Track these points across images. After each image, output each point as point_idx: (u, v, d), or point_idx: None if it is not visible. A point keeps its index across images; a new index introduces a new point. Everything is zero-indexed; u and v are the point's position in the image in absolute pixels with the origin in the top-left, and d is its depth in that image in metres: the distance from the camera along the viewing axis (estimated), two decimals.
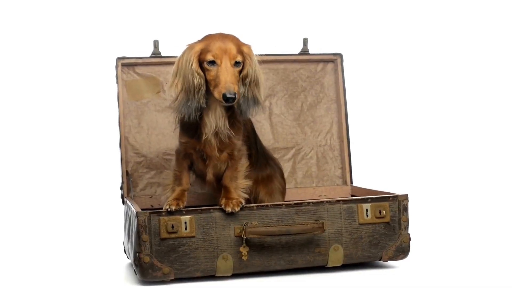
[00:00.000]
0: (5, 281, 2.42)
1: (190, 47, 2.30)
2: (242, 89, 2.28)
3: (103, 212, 3.40)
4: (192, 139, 2.38)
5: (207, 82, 2.27)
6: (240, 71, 2.28)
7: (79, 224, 3.36)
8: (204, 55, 2.25)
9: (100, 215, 3.41)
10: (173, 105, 2.34)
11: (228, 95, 2.18)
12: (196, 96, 2.25)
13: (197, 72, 2.25)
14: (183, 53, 2.31)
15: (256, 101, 2.31)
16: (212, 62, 2.24)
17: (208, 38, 2.29)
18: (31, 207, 3.51)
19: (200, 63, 2.27)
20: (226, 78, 2.20)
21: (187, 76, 2.26)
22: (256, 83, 2.31)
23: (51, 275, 2.50)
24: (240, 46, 2.28)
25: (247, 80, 2.28)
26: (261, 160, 2.61)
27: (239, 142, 2.40)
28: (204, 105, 2.28)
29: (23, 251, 2.90)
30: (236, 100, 2.20)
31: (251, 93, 2.30)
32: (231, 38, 2.28)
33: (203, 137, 2.34)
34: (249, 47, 2.32)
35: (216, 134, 2.34)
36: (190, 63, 2.26)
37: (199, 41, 2.31)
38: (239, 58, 2.25)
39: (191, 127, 2.36)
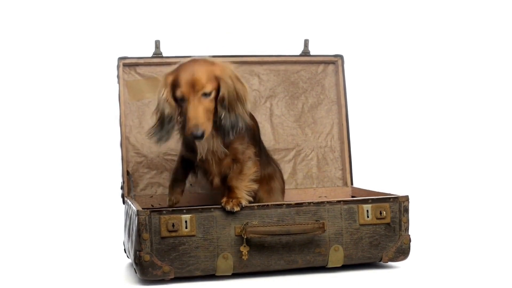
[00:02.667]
0: (5, 281, 2.42)
1: (164, 77, 2.31)
2: (222, 112, 2.26)
3: (104, 212, 3.40)
4: (192, 154, 2.41)
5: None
6: (217, 96, 2.26)
7: (79, 224, 3.36)
8: (175, 89, 2.26)
9: (101, 215, 3.41)
10: (147, 131, 2.38)
11: (195, 134, 2.19)
12: (167, 125, 2.28)
13: (167, 101, 2.27)
14: (161, 82, 2.34)
15: (237, 120, 2.27)
16: (182, 99, 2.25)
17: (179, 68, 2.28)
18: (32, 207, 3.51)
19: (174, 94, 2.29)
20: (193, 115, 2.20)
21: (160, 106, 2.29)
22: (236, 100, 2.27)
23: (51, 275, 2.50)
24: (211, 72, 2.25)
25: (225, 103, 2.26)
26: (263, 158, 2.61)
27: (240, 146, 2.39)
28: (170, 137, 2.31)
29: (23, 251, 2.90)
30: (206, 135, 2.21)
31: (233, 113, 2.27)
32: (200, 66, 2.25)
33: (198, 157, 2.36)
34: (222, 67, 2.28)
35: (212, 151, 2.35)
36: (161, 94, 2.29)
37: (172, 72, 2.30)
38: (207, 89, 2.23)
39: (189, 143, 2.39)
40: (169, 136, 2.30)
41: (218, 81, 2.26)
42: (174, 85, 2.26)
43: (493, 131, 3.93)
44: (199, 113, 2.21)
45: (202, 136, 2.20)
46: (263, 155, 2.60)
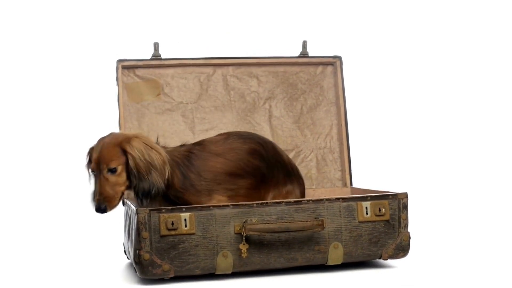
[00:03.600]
0: (5, 281, 2.42)
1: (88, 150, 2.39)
2: (134, 182, 2.30)
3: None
4: None
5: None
6: (126, 167, 2.30)
7: (79, 225, 3.37)
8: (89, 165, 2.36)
9: (101, 216, 3.41)
10: None
11: (96, 209, 2.29)
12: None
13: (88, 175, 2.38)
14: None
15: (150, 187, 2.31)
16: (94, 174, 2.33)
17: (92, 147, 2.36)
18: (32, 209, 3.51)
19: None
20: (97, 191, 2.30)
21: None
22: (149, 169, 2.31)
23: (51, 275, 2.50)
24: (117, 148, 2.30)
25: (134, 171, 2.30)
26: (278, 176, 2.58)
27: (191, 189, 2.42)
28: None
29: (23, 252, 2.90)
30: (108, 210, 2.29)
31: (146, 181, 2.30)
32: (106, 143, 2.31)
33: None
34: (129, 139, 2.32)
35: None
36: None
37: (89, 150, 2.38)
38: (112, 165, 2.28)
39: None
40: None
41: (125, 156, 2.31)
42: (89, 161, 2.36)
43: (491, 129, 3.94)
44: (103, 189, 2.28)
45: (104, 211, 2.28)
46: (276, 173, 2.57)
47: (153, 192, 2.31)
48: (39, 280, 2.43)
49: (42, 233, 3.25)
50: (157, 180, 2.32)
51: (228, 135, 2.56)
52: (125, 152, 2.30)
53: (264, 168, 2.52)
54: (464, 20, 3.94)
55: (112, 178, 2.29)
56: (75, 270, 2.57)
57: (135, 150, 2.31)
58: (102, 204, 2.27)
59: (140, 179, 2.30)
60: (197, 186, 2.41)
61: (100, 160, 2.29)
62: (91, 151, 2.35)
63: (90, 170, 2.35)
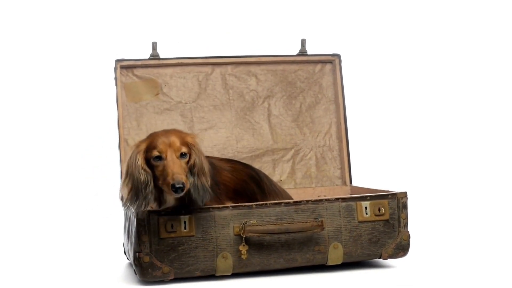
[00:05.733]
0: (5, 281, 2.42)
1: (136, 146, 2.31)
2: (191, 179, 2.27)
3: (103, 214, 3.41)
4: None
5: (156, 179, 2.27)
6: (188, 161, 2.27)
7: (79, 226, 3.37)
8: (150, 152, 2.26)
9: (101, 216, 3.42)
10: (123, 202, 2.32)
11: (177, 185, 2.18)
12: (143, 192, 2.25)
13: (143, 168, 2.26)
14: (131, 153, 2.32)
15: (204, 189, 2.28)
16: (159, 157, 2.25)
17: (152, 135, 2.31)
18: (32, 209, 3.51)
19: (148, 160, 2.27)
20: (173, 170, 2.21)
21: (135, 173, 2.26)
22: (202, 172, 2.29)
23: (51, 276, 2.50)
24: (184, 138, 2.28)
25: (195, 170, 2.27)
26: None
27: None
28: (151, 202, 2.29)
29: (23, 252, 2.90)
30: (185, 190, 2.20)
31: (199, 182, 2.28)
32: (174, 132, 2.30)
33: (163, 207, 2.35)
34: (193, 136, 2.32)
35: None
36: (136, 161, 2.27)
37: (144, 140, 2.32)
38: (184, 150, 2.25)
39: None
40: (147, 203, 2.26)
41: (189, 148, 2.28)
42: (148, 150, 2.27)
43: (490, 128, 3.93)
44: (179, 168, 2.22)
45: (182, 188, 2.19)
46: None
47: (207, 196, 2.28)
48: (39, 280, 2.44)
49: (42, 233, 3.25)
50: (207, 183, 2.29)
51: (228, 159, 2.59)
52: (188, 146, 2.27)
53: (259, 194, 2.53)
54: (463, 18, 3.94)
55: (182, 162, 2.24)
56: (75, 270, 2.58)
57: (197, 149, 2.29)
58: (181, 181, 2.18)
59: (198, 177, 2.26)
60: (215, 192, 2.38)
61: (172, 143, 2.23)
62: (146, 143, 2.27)
63: (153, 156, 2.24)
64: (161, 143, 2.24)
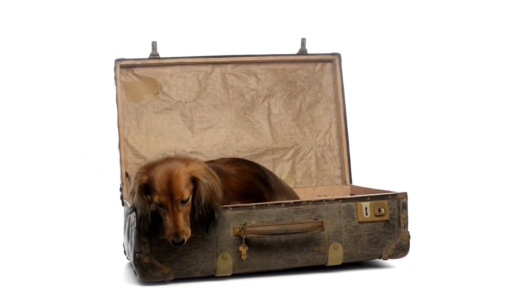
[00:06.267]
0: (5, 281, 2.42)
1: (138, 175, 2.25)
2: (198, 211, 2.23)
3: (103, 214, 3.41)
4: None
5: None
6: (193, 196, 2.23)
7: (79, 225, 3.37)
8: (151, 193, 2.22)
9: (100, 217, 3.42)
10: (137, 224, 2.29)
11: (176, 242, 2.18)
12: (149, 220, 2.24)
13: (138, 202, 2.22)
14: (133, 181, 2.26)
15: (216, 209, 2.25)
16: (159, 204, 2.21)
17: (154, 169, 2.23)
18: (31, 209, 3.51)
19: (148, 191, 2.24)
20: (172, 224, 2.19)
21: (138, 210, 2.23)
22: (211, 196, 2.25)
23: (51, 276, 2.50)
24: (187, 175, 2.22)
25: (202, 201, 2.23)
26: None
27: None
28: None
29: (23, 252, 2.90)
30: (185, 242, 2.19)
31: (209, 207, 2.24)
32: (175, 168, 2.21)
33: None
34: (196, 167, 2.25)
35: None
36: (134, 194, 2.23)
37: (146, 169, 2.25)
38: (186, 196, 2.20)
39: None
40: (148, 221, 2.24)
41: (194, 183, 2.24)
42: (148, 187, 2.22)
43: (491, 128, 3.93)
44: (179, 221, 2.19)
45: (182, 243, 2.19)
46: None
47: (216, 217, 2.25)
48: (39, 280, 2.44)
49: (43, 233, 3.25)
50: (218, 203, 2.27)
51: (234, 159, 2.56)
52: (193, 181, 2.22)
53: (267, 192, 2.51)
54: (462, 17, 3.93)
55: (184, 208, 2.21)
56: (75, 270, 2.58)
57: (203, 178, 2.23)
58: (180, 237, 2.18)
59: (205, 206, 2.23)
60: (224, 202, 2.35)
61: (173, 192, 2.18)
62: (147, 178, 2.21)
63: (152, 202, 2.22)
64: (161, 191, 2.18)
